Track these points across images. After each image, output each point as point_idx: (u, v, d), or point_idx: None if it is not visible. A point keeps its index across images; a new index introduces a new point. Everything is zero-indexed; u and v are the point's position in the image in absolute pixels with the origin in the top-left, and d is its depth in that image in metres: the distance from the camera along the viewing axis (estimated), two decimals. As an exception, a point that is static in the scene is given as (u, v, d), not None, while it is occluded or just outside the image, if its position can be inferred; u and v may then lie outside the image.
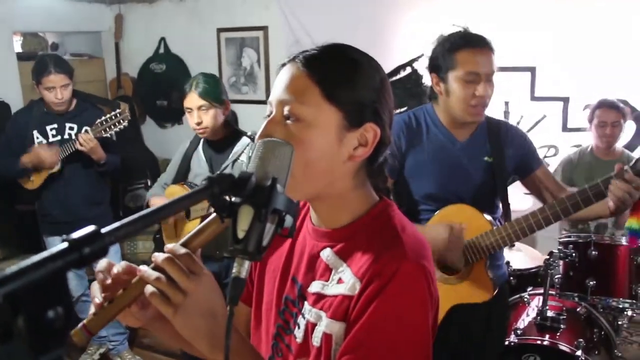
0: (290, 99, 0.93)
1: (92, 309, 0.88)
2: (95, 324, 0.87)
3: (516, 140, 2.13)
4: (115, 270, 0.89)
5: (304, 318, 1.01)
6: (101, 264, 0.91)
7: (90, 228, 0.58)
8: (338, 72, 0.94)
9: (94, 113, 3.19)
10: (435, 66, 1.99)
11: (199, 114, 2.54)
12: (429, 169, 2.03)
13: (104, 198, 3.50)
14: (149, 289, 0.85)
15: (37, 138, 3.25)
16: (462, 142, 2.06)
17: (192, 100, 2.54)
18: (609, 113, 3.37)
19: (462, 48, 1.93)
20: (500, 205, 2.19)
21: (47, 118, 3.26)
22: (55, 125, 3.27)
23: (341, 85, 0.93)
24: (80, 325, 0.87)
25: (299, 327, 1.02)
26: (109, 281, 0.89)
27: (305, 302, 1.01)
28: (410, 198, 2.06)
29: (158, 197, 2.78)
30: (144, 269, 0.87)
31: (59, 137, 3.25)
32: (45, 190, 3.30)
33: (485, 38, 1.97)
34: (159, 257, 0.85)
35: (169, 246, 0.87)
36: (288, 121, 0.93)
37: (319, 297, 0.99)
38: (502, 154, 2.08)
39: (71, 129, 3.25)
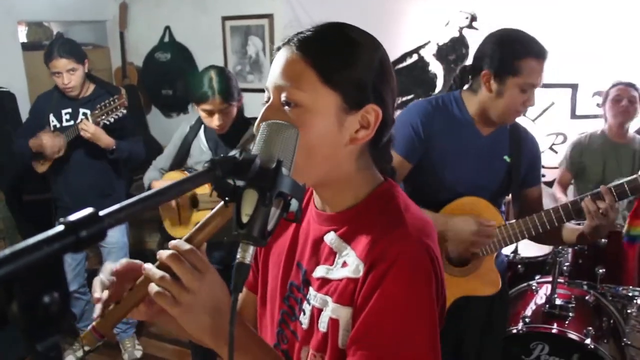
0: (286, 85, 0.90)
1: (98, 310, 0.88)
2: (104, 325, 0.88)
3: (531, 147, 2.12)
4: (115, 267, 0.89)
5: (309, 304, 0.99)
6: (105, 268, 0.91)
7: (88, 210, 0.56)
8: (334, 53, 0.92)
9: (107, 100, 3.09)
10: (494, 64, 1.91)
11: (220, 116, 2.49)
12: (454, 156, 2.00)
13: (114, 190, 3.40)
14: (153, 288, 0.84)
15: (53, 121, 3.25)
16: (486, 137, 2.04)
17: (215, 104, 2.47)
18: (625, 89, 3.33)
19: (530, 56, 1.86)
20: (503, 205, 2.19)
21: (63, 102, 3.25)
22: (70, 110, 3.25)
23: (338, 67, 0.91)
24: (89, 327, 0.88)
25: (304, 314, 1.00)
26: (113, 282, 0.90)
27: (310, 288, 1.00)
28: (429, 184, 2.03)
29: (160, 181, 2.75)
30: (148, 267, 0.86)
31: (72, 122, 3.22)
32: (56, 175, 3.30)
33: (545, 48, 1.91)
34: (163, 254, 0.85)
35: (172, 242, 0.86)
36: (286, 107, 0.91)
37: (324, 281, 0.97)
38: (520, 156, 2.07)
39: (84, 114, 3.19)
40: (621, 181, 1.90)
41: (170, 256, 0.83)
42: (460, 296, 2.05)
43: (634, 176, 1.89)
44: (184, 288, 0.83)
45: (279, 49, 0.95)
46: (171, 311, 0.83)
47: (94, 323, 0.88)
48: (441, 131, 1.99)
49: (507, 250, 2.91)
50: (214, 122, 2.50)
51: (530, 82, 1.88)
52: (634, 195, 1.92)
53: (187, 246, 0.85)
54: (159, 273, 0.83)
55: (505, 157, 2.06)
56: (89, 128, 2.99)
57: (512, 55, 1.88)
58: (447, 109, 2.03)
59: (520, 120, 2.13)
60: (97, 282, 0.90)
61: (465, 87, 2.05)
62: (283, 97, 0.91)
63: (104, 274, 0.90)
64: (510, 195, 2.16)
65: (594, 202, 1.87)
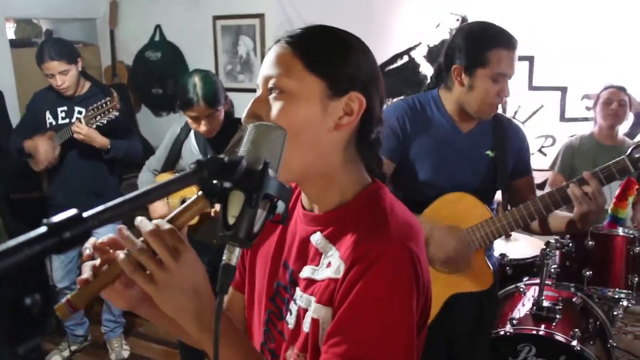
0: (274, 73, 0.93)
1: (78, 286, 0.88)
2: (79, 299, 0.87)
3: (516, 138, 2.12)
4: (99, 240, 0.89)
5: (296, 304, 0.99)
6: (89, 241, 0.90)
7: (72, 211, 0.56)
8: (321, 45, 0.95)
9: (101, 99, 3.06)
10: (462, 58, 1.93)
11: (206, 121, 2.48)
12: (432, 156, 2.01)
13: (106, 190, 3.35)
14: (130, 265, 0.83)
15: (49, 119, 3.25)
16: (466, 133, 2.04)
17: (200, 110, 2.46)
18: (616, 92, 3.37)
19: (496, 47, 1.88)
20: (496, 199, 2.19)
21: (59, 100, 3.25)
22: (65, 108, 3.25)
23: (324, 57, 0.94)
24: (64, 299, 0.87)
25: (290, 313, 1.01)
26: (97, 261, 0.89)
27: (297, 288, 1.00)
28: (411, 184, 2.03)
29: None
30: (127, 234, 0.85)
31: (67, 120, 3.22)
32: (51, 173, 3.31)
33: (514, 38, 1.92)
34: (144, 227, 0.83)
35: (154, 221, 0.85)
36: (272, 94, 0.93)
37: (310, 282, 0.97)
38: (505, 149, 2.07)
39: (79, 112, 3.20)
40: (608, 164, 1.89)
41: (149, 232, 0.82)
42: (453, 293, 2.05)
43: (621, 157, 1.88)
44: (160, 266, 0.82)
45: (269, 48, 0.98)
46: (146, 288, 0.83)
47: (68, 296, 0.87)
48: (418, 131, 2.00)
49: (495, 252, 2.92)
50: (201, 127, 2.50)
51: (500, 72, 1.89)
52: (622, 178, 1.91)
53: (168, 226, 0.84)
54: (140, 244, 0.83)
55: (488, 152, 2.06)
56: (82, 130, 2.99)
57: (479, 46, 1.90)
58: (424, 110, 2.04)
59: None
60: (86, 266, 0.90)
61: (442, 86, 2.06)
62: (270, 84, 0.93)
63: (87, 247, 0.89)
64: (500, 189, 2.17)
65: (580, 187, 1.86)
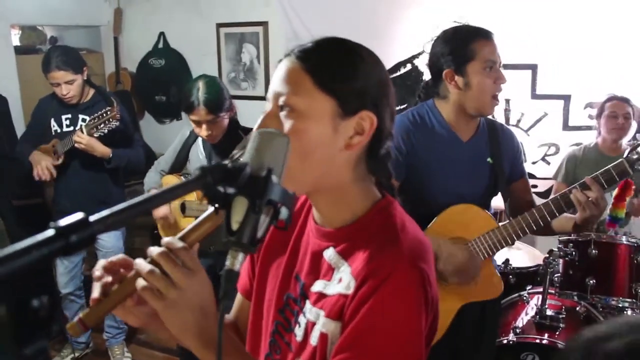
0: (284, 91, 0.93)
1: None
2: (90, 317, 0.88)
3: (510, 142, 2.14)
4: (109, 260, 0.90)
5: (305, 317, 1.00)
6: (100, 263, 0.91)
7: (79, 215, 0.57)
8: (330, 61, 0.95)
9: (104, 107, 3.07)
10: (449, 61, 1.95)
11: (208, 126, 2.49)
12: (436, 169, 2.00)
13: (112, 197, 3.34)
14: (140, 283, 0.84)
15: (54, 126, 3.27)
16: (466, 142, 2.04)
17: (201, 115, 2.47)
18: (620, 105, 3.35)
19: (476, 38, 1.94)
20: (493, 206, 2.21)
21: (63, 108, 3.26)
22: (70, 116, 3.27)
23: (333, 73, 0.93)
24: (76, 318, 0.88)
25: (299, 326, 1.01)
26: (108, 279, 0.89)
27: (307, 301, 1.00)
28: (417, 196, 2.02)
29: (157, 188, 2.75)
30: (138, 261, 0.87)
31: (72, 128, 3.23)
32: (56, 179, 3.32)
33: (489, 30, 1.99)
34: (154, 250, 0.85)
35: (166, 239, 0.86)
36: (283, 112, 0.93)
37: (320, 296, 0.98)
38: (501, 155, 2.08)
39: (83, 120, 3.20)
40: (608, 167, 1.92)
41: (160, 253, 0.84)
42: (464, 303, 2.05)
43: (619, 160, 1.90)
44: (171, 284, 0.83)
45: (280, 61, 0.98)
46: (155, 305, 0.84)
47: (81, 314, 0.89)
48: (422, 145, 2.00)
49: (498, 261, 2.92)
50: (202, 132, 2.51)
51: (489, 59, 1.92)
52: (621, 180, 1.94)
53: (180, 244, 0.86)
54: (148, 267, 0.84)
55: (488, 159, 2.07)
56: (82, 139, 2.99)
57: (461, 43, 1.94)
58: (425, 122, 2.04)
59: (514, 131, 2.16)
60: (97, 285, 0.90)
61: (434, 97, 2.07)
62: (281, 102, 0.93)
63: (99, 270, 0.90)
64: (500, 194, 2.17)
65: (583, 193, 1.89)
